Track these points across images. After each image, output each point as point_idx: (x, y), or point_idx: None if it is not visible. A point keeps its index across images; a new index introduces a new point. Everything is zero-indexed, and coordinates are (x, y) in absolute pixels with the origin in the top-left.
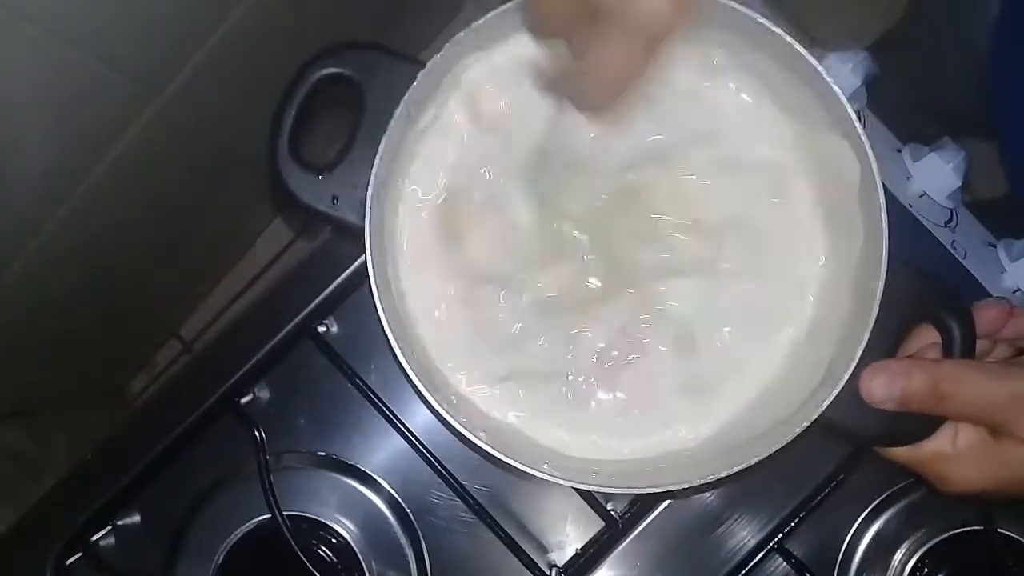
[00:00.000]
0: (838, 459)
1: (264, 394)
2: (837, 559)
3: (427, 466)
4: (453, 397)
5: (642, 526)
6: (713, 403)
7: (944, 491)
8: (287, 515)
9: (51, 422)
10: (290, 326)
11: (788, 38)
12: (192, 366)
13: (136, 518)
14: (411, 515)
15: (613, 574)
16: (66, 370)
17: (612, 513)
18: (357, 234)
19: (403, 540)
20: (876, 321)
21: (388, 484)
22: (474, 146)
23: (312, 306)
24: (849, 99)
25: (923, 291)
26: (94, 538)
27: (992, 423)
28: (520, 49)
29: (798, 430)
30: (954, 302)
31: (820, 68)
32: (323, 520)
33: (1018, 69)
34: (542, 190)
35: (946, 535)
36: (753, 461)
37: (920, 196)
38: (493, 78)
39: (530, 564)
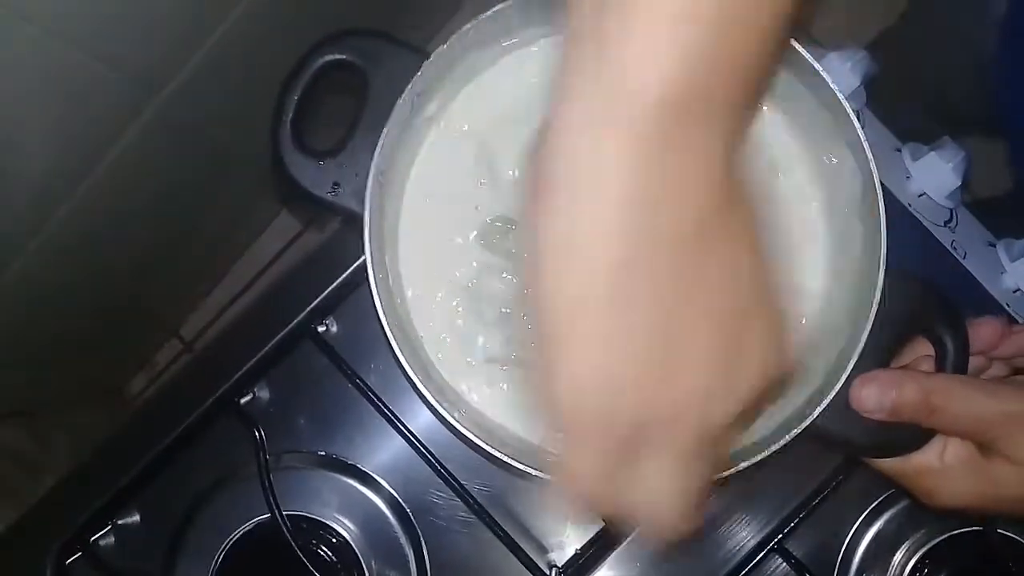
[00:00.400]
0: (838, 460)
1: (264, 394)
2: (837, 559)
3: (427, 466)
4: (452, 395)
5: None
6: None
7: (929, 505)
8: (287, 515)
9: (51, 422)
10: (290, 326)
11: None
12: (192, 366)
13: (136, 518)
14: (411, 515)
15: (613, 574)
16: (66, 370)
17: None
18: (357, 221)
19: (403, 540)
20: (871, 331)
21: (388, 484)
22: (478, 139)
23: (312, 306)
24: (848, 98)
25: (918, 302)
26: (94, 538)
27: (982, 439)
28: (526, 48)
29: (788, 437)
30: (949, 315)
31: (827, 77)
32: (323, 520)
33: None
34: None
35: (946, 535)
36: (743, 466)
37: (920, 196)
38: (498, 76)
39: (530, 564)
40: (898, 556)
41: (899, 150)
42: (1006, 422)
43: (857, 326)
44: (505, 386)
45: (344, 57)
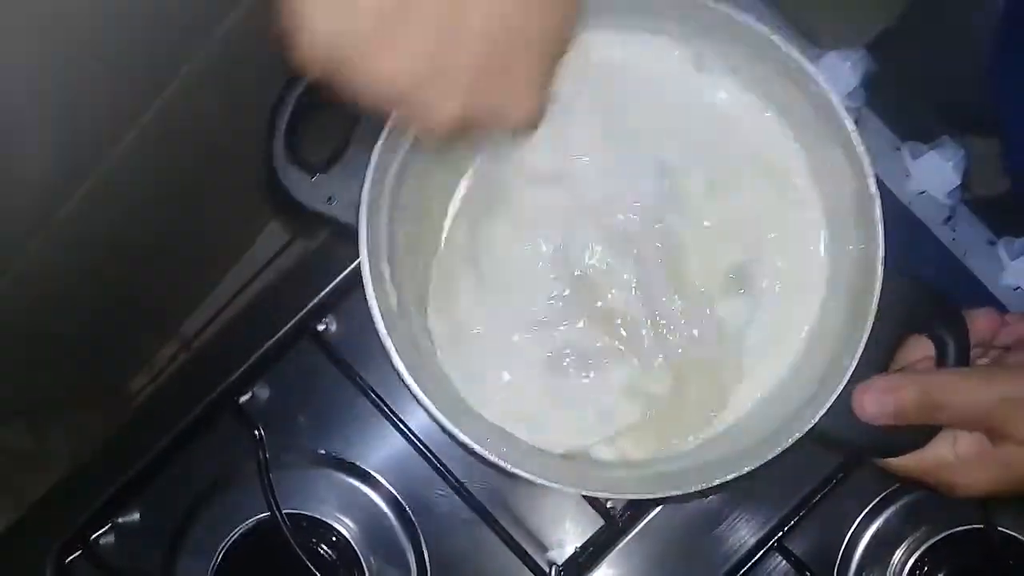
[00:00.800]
0: (838, 458)
1: (264, 393)
2: (837, 558)
3: (426, 464)
4: (451, 399)
5: (641, 525)
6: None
7: (951, 497)
8: (286, 513)
9: (51, 422)
10: (289, 325)
11: (785, 47)
12: (192, 365)
13: (135, 516)
14: (411, 513)
15: (612, 572)
16: (66, 370)
17: (611, 511)
18: (352, 234)
19: (403, 538)
20: (870, 331)
21: (387, 482)
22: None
23: (311, 305)
24: (848, 97)
25: (916, 301)
26: (94, 537)
27: (986, 426)
28: None
29: (789, 441)
30: (948, 313)
31: (816, 76)
32: (322, 518)
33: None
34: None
35: (945, 534)
36: (745, 471)
37: (920, 194)
38: None
39: (529, 562)
40: (898, 554)
41: (899, 149)
42: (1005, 406)
43: (856, 326)
44: (503, 387)
45: None
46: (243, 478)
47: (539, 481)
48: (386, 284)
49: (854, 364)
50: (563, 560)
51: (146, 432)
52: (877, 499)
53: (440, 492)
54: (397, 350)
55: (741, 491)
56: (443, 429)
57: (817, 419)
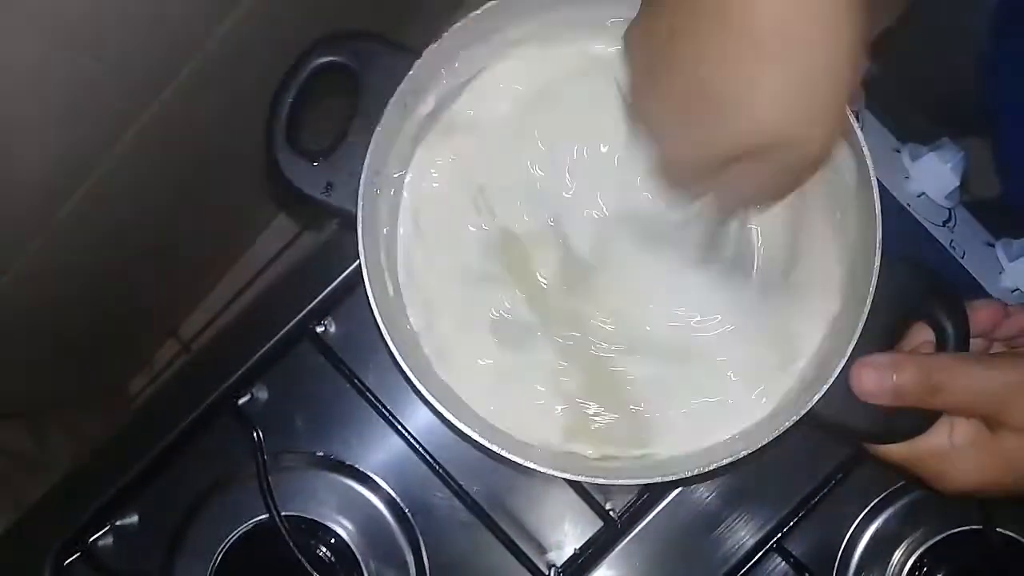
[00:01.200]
0: (837, 458)
1: (262, 394)
2: (836, 558)
3: (425, 466)
4: (446, 390)
5: (640, 525)
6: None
7: (941, 488)
8: (285, 515)
9: (51, 422)
10: (288, 326)
11: None
12: (190, 366)
13: (134, 518)
14: (409, 515)
15: (612, 574)
16: (66, 370)
17: (610, 513)
18: (350, 221)
19: (401, 540)
20: (869, 315)
21: (386, 484)
22: (472, 142)
23: (310, 306)
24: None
25: (915, 286)
26: (93, 538)
27: (987, 412)
28: (527, 50)
29: (787, 424)
30: (948, 299)
31: None
32: (321, 520)
33: (1016, 70)
34: (542, 197)
35: (945, 534)
36: (742, 454)
37: (918, 196)
38: (498, 77)
39: (528, 564)
40: (897, 554)
41: (898, 150)
42: (1008, 392)
43: (853, 313)
44: (501, 383)
45: (338, 59)
46: (242, 480)
47: (542, 469)
48: (384, 274)
49: (851, 346)
50: (562, 561)
51: (145, 433)
52: (876, 500)
53: (439, 494)
54: (391, 337)
55: (740, 491)
56: (438, 416)
57: (815, 402)
